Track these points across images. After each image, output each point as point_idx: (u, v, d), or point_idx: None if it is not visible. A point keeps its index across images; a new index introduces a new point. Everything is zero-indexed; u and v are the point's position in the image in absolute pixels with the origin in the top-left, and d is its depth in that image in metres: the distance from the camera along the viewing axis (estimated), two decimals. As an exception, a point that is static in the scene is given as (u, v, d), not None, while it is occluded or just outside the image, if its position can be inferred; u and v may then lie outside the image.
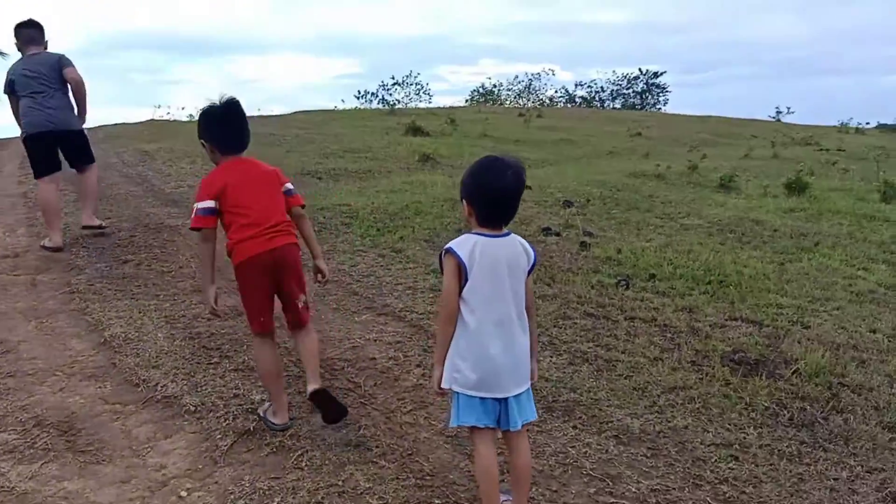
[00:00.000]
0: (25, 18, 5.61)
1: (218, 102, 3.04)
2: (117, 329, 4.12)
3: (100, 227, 5.87)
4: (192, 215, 2.96)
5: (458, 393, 2.26)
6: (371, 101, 35.13)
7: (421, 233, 6.23)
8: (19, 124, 5.55)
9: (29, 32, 5.54)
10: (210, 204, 2.93)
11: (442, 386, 2.28)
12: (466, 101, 39.77)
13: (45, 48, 5.60)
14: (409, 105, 34.92)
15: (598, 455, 2.90)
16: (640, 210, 7.79)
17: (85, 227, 5.83)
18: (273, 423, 3.08)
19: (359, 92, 36.39)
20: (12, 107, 5.56)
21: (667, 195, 8.75)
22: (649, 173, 10.19)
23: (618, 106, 40.19)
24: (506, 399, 2.25)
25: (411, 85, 36.07)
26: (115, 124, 18.73)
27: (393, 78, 36.89)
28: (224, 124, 3.09)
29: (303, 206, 3.25)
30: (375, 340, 4.06)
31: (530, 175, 9.96)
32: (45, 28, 5.64)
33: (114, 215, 6.77)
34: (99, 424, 3.10)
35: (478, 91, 40.14)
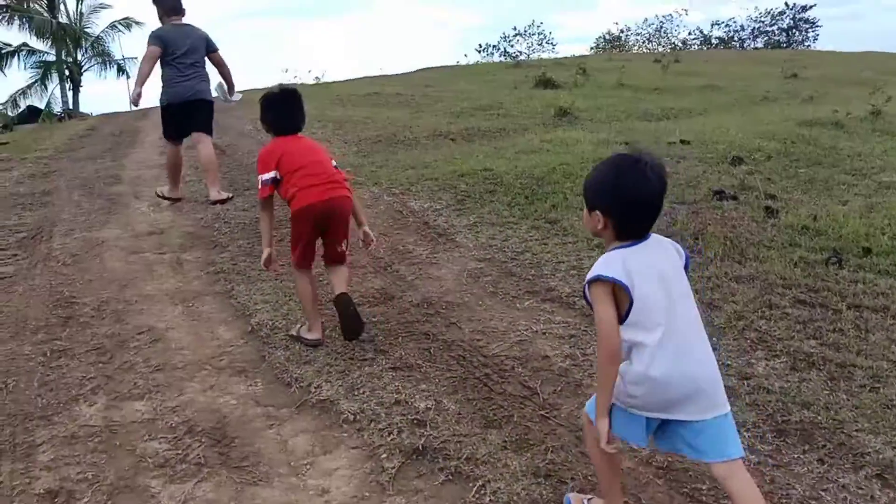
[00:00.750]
0: None
1: (277, 90, 3.50)
2: (264, 316, 3.84)
3: (228, 198, 5.95)
4: (259, 187, 3.44)
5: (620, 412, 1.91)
6: (493, 53, 34.10)
7: (574, 200, 5.59)
8: (143, 78, 5.69)
9: (174, 4, 5.76)
10: (271, 174, 3.38)
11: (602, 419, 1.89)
12: (592, 48, 37.87)
13: (184, 15, 5.84)
14: (531, 56, 33.66)
15: None
16: (824, 166, 6.73)
17: (214, 203, 5.92)
18: (307, 339, 3.50)
19: (480, 45, 35.48)
20: (150, 59, 5.63)
21: (852, 146, 7.55)
22: (824, 121, 8.90)
23: (760, 46, 36.79)
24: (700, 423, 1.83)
25: (533, 35, 34.65)
26: (245, 90, 19.16)
27: (514, 28, 35.56)
28: (279, 110, 3.48)
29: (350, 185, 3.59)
30: (544, 333, 3.53)
31: (683, 127, 9.00)
32: None
33: (252, 185, 6.60)
34: (253, 432, 2.78)
35: (604, 38, 38.03)
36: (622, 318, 1.83)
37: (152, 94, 6.40)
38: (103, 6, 29.23)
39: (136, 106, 6.49)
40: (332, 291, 3.54)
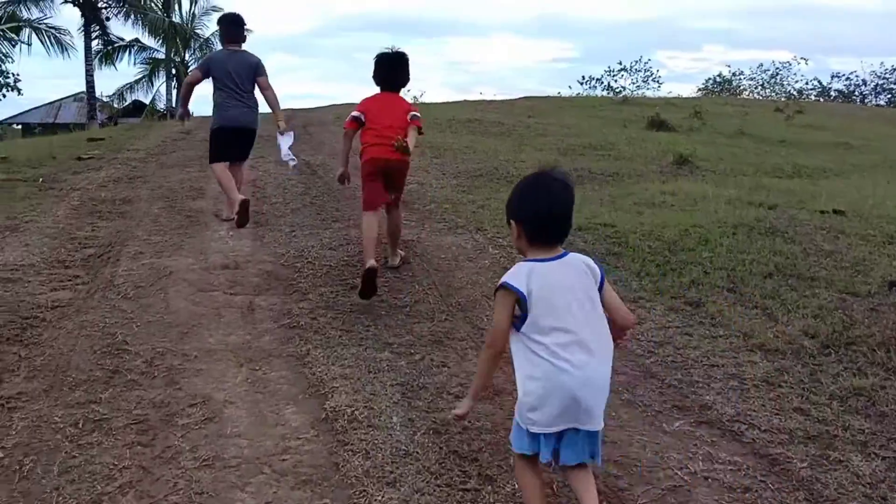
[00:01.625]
0: (230, 12, 6.05)
1: (389, 49, 4.40)
2: (342, 399, 3.09)
3: (245, 201, 5.56)
4: (349, 118, 4.37)
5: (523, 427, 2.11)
6: (595, 87, 33.08)
7: (718, 276, 4.64)
8: (185, 99, 6.09)
9: (230, 29, 5.90)
10: (356, 113, 4.34)
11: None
12: (700, 90, 36.25)
13: (244, 42, 5.93)
14: (635, 93, 32.48)
15: None
16: None
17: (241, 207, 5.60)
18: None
19: (583, 77, 34.54)
20: (191, 83, 5.93)
21: None
22: None
23: (882, 103, 34.34)
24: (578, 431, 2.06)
25: (639, 71, 33.43)
26: (343, 103, 18.90)
27: (620, 63, 34.43)
28: (383, 68, 4.37)
29: (420, 130, 4.41)
30: (706, 478, 2.62)
31: (826, 190, 7.87)
32: (245, 24, 6.08)
33: (343, 217, 5.96)
34: None
35: (714, 80, 36.32)
36: (521, 323, 2.06)
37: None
38: (216, 9, 29.97)
39: (183, 122, 6.75)
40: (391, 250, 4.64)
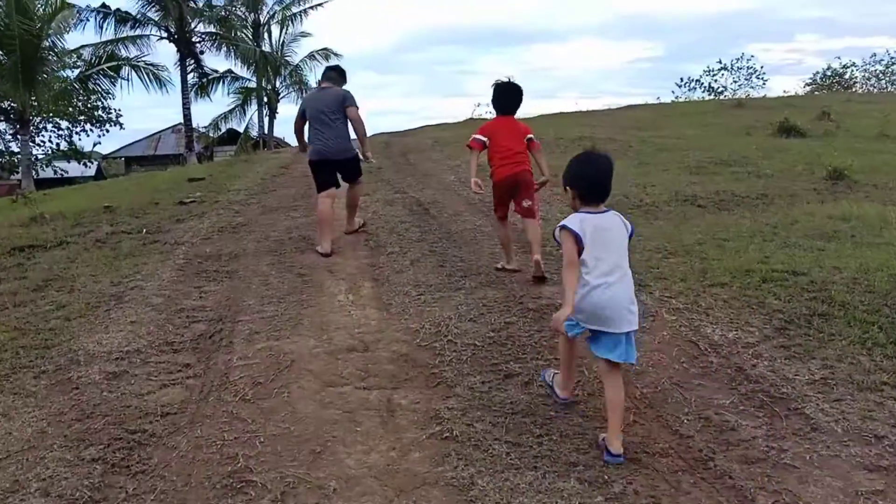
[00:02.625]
0: (334, 63, 6.71)
1: (505, 79, 5.09)
2: (535, 566, 2.29)
3: (361, 228, 6.60)
4: (470, 140, 5.12)
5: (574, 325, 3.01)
6: (695, 88, 31.35)
7: (973, 347, 3.58)
8: (299, 137, 6.51)
9: (329, 74, 6.38)
10: (482, 137, 5.08)
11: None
12: (807, 84, 33.73)
13: (336, 82, 6.28)
14: (738, 92, 30.61)
15: None
16: None
17: (348, 233, 6.47)
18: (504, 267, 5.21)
19: (681, 80, 32.84)
20: (298, 125, 6.36)
21: None
22: None
23: None
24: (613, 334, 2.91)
25: (741, 69, 31.47)
26: (438, 124, 18.33)
27: (720, 62, 32.48)
28: (501, 96, 5.11)
29: (538, 148, 5.14)
30: None
31: None
32: (346, 74, 6.42)
33: (470, 270, 5.20)
34: None
35: (823, 73, 33.64)
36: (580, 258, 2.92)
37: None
38: (304, 34, 30.26)
39: (306, 151, 6.66)
40: (530, 252, 5.02)
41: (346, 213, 6.56)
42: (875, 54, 38.35)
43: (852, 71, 33.37)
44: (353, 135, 6.18)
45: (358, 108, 6.07)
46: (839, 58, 37.78)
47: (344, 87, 6.25)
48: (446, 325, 4.07)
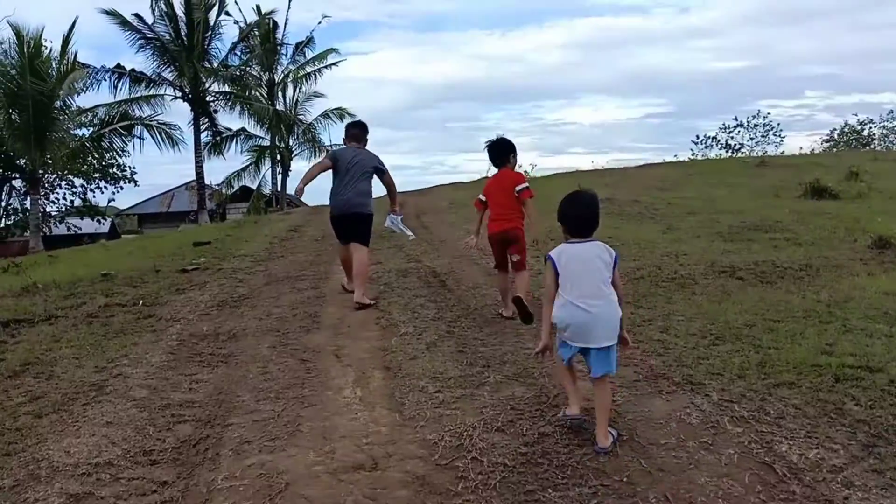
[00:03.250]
0: (358, 119, 6.94)
1: (495, 139, 5.76)
2: None
3: (372, 304, 6.19)
4: (475, 199, 5.87)
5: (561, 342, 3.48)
6: (711, 146, 31.10)
7: None
8: (307, 178, 6.36)
9: (354, 132, 6.72)
10: (482, 197, 5.73)
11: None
12: (825, 141, 33.41)
13: (365, 144, 6.71)
14: (754, 150, 30.31)
15: None
16: None
17: (357, 307, 6.10)
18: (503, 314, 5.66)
19: (697, 137, 32.65)
20: (318, 166, 6.46)
21: None
22: None
23: None
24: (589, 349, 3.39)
25: (757, 126, 31.24)
26: (452, 183, 17.99)
27: (736, 119, 32.30)
28: (491, 152, 5.73)
29: (531, 196, 5.56)
30: None
31: None
32: (368, 130, 6.78)
33: (494, 358, 4.62)
34: None
35: (842, 130, 33.31)
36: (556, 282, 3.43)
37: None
38: (318, 94, 30.45)
39: (299, 196, 7.15)
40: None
41: (355, 285, 6.34)
42: (893, 111, 37.93)
43: (870, 128, 33.08)
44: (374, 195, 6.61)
45: (389, 173, 6.64)
46: (856, 114, 37.57)
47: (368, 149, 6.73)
48: (470, 437, 3.46)
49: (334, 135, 34.06)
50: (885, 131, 33.29)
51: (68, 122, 19.87)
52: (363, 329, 5.49)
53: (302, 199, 7.63)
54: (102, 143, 21.10)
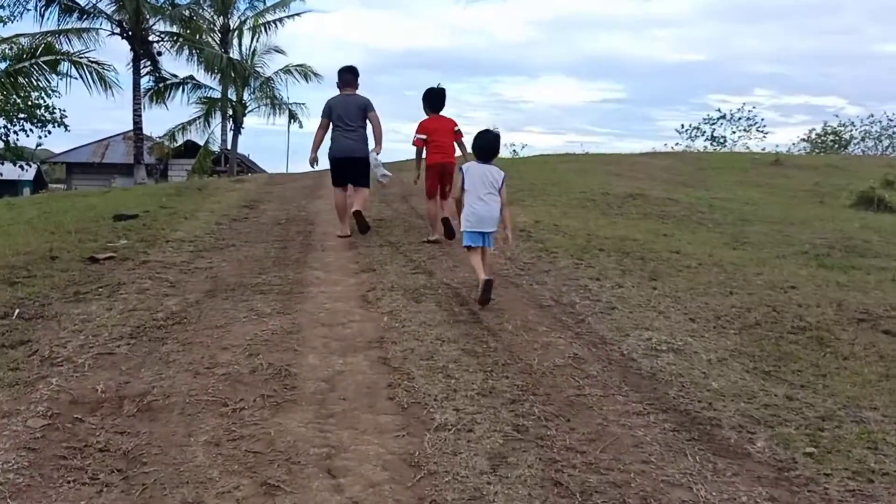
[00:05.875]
0: (347, 65, 7.15)
1: (435, 86, 6.81)
2: None
3: (368, 227, 7.04)
4: (414, 139, 6.71)
5: (464, 231, 5.09)
6: (695, 136, 29.52)
7: None
8: (316, 144, 7.14)
9: (347, 77, 7.12)
10: (423, 136, 6.65)
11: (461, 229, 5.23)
12: (801, 140, 32.19)
13: (357, 89, 7.13)
14: (737, 144, 28.91)
15: None
16: None
17: (355, 213, 6.89)
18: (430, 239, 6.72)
19: (681, 126, 31.08)
20: (321, 128, 7.11)
21: None
22: None
23: None
24: (483, 233, 5.05)
25: (739, 119, 29.79)
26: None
27: (719, 111, 30.77)
28: (433, 98, 6.78)
29: (462, 137, 6.77)
30: None
31: None
32: (359, 73, 7.19)
33: (603, 489, 2.53)
34: None
35: (824, 132, 32.04)
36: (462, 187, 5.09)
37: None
38: (278, 50, 27.49)
39: (314, 168, 7.44)
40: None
41: (354, 202, 7.04)
42: (872, 115, 37.03)
43: (851, 131, 32.01)
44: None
45: (377, 113, 7.01)
46: (837, 115, 36.66)
47: (360, 93, 7.15)
48: None
49: (295, 94, 31.22)
50: (864, 134, 32.29)
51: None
52: (368, 406, 3.31)
53: (314, 166, 7.42)
54: (18, 80, 17.92)
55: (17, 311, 4.67)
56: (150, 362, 3.81)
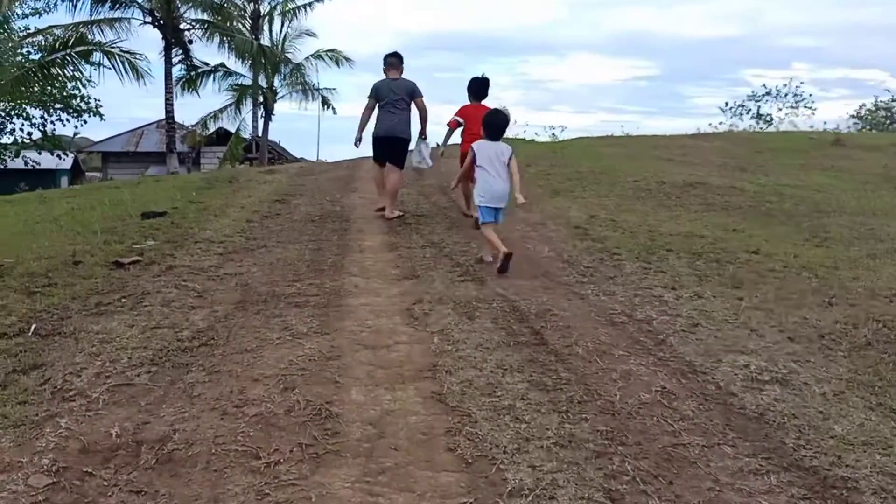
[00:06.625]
0: (392, 51, 7.44)
1: (480, 75, 7.04)
2: None
3: (399, 216, 7.21)
4: (450, 120, 6.91)
5: (479, 206, 5.49)
6: (740, 114, 28.30)
7: None
8: (362, 125, 7.42)
9: (392, 60, 7.35)
10: (460, 119, 6.83)
11: (474, 203, 5.82)
12: (852, 117, 30.67)
13: (401, 72, 7.36)
14: (784, 121, 27.63)
15: None
16: None
17: (387, 219, 7.12)
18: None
19: (725, 104, 29.73)
20: (367, 109, 7.31)
21: None
22: None
23: None
24: (497, 208, 5.42)
25: (786, 96, 28.46)
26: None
27: (765, 87, 29.34)
28: (475, 85, 6.96)
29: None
30: None
31: None
32: (404, 58, 7.40)
33: None
34: None
35: (875, 106, 30.47)
36: (475, 163, 5.52)
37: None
38: (309, 33, 26.98)
39: (357, 147, 7.63)
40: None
41: (387, 201, 7.28)
42: (923, 88, 35.03)
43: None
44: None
45: (423, 98, 7.26)
46: (888, 90, 34.86)
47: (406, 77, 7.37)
48: None
49: (325, 79, 30.73)
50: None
51: (8, 42, 16.48)
52: (425, 460, 2.77)
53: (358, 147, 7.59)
54: (52, 71, 17.69)
55: (33, 326, 4.25)
56: (172, 396, 3.33)
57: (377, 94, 7.19)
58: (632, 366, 3.61)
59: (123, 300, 4.79)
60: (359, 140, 7.44)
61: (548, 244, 5.98)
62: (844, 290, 4.81)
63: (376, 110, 7.21)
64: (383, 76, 7.37)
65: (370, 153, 7.61)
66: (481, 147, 5.44)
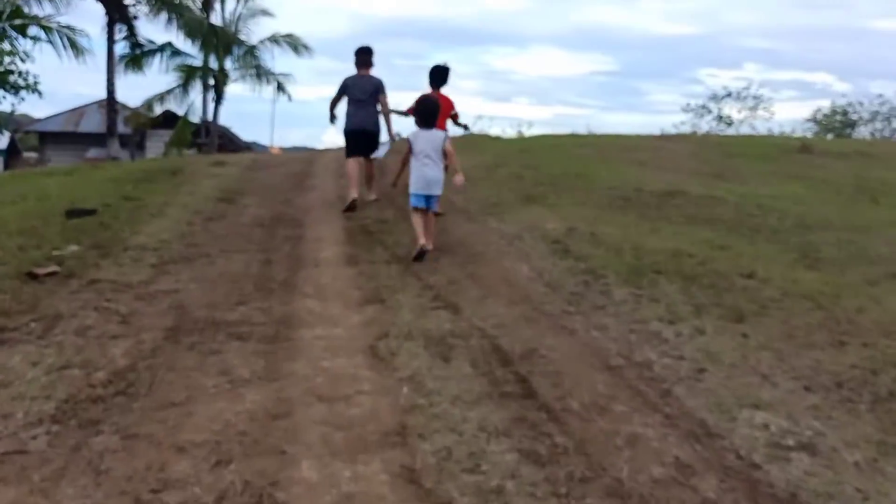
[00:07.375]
0: (363, 45, 7.76)
1: (441, 64, 7.14)
2: None
3: (375, 200, 7.72)
4: (408, 108, 7.03)
5: (412, 193, 5.62)
6: (701, 115, 28.32)
7: None
8: (332, 114, 7.87)
9: (363, 58, 7.71)
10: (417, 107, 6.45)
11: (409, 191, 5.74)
12: (809, 120, 30.97)
13: (371, 67, 7.74)
14: (743, 123, 27.80)
15: None
16: None
17: (365, 202, 7.53)
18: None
19: (687, 104, 29.83)
20: (335, 101, 7.77)
21: None
22: None
23: None
24: (428, 195, 5.60)
25: (745, 98, 28.59)
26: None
27: (725, 88, 29.44)
28: (433, 73, 7.08)
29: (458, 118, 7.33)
30: None
31: None
32: (373, 52, 7.76)
33: None
34: None
35: (831, 112, 30.77)
36: (410, 152, 5.74)
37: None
38: (265, 12, 25.81)
39: (333, 124, 8.00)
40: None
41: (368, 188, 7.77)
42: (882, 94, 35.36)
43: (858, 112, 30.81)
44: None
45: (387, 96, 7.63)
46: (844, 95, 35.35)
47: (374, 74, 7.74)
48: None
49: (280, 64, 29.61)
50: (871, 116, 31.11)
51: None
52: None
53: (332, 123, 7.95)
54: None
55: None
56: (74, 470, 2.64)
57: (346, 92, 7.58)
58: (637, 427, 3.06)
59: (32, 324, 4.06)
60: (333, 117, 7.87)
61: (526, 262, 5.39)
62: (853, 326, 4.36)
63: (346, 105, 7.59)
64: (350, 67, 7.75)
65: (337, 142, 8.21)
66: (416, 137, 5.67)
